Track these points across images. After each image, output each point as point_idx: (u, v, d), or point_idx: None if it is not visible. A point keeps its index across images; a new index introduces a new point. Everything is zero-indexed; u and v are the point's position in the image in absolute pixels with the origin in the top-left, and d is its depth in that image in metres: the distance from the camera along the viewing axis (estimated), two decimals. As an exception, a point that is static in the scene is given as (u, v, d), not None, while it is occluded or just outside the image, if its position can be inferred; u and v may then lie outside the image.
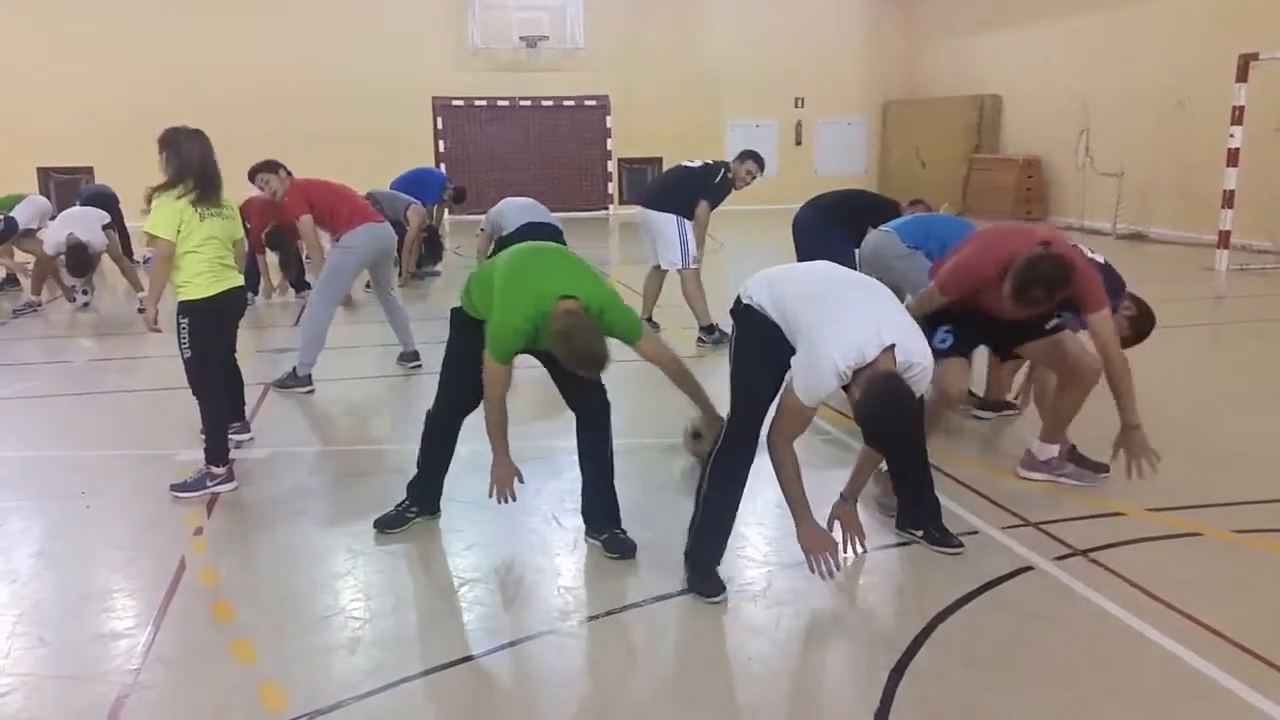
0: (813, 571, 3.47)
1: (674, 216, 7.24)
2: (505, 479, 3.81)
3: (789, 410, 3.32)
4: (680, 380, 3.79)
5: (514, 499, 3.83)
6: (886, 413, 3.12)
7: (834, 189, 7.11)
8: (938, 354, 3.91)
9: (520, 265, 3.72)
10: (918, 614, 3.31)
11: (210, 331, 4.58)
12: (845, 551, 3.71)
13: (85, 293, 9.53)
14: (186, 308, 4.52)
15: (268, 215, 9.74)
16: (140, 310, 4.54)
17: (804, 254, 6.32)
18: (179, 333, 4.51)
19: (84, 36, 16.24)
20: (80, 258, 8.88)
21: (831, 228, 6.56)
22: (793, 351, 3.31)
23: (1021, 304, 3.95)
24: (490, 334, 3.62)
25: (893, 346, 3.17)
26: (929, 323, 4.07)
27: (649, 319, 7.84)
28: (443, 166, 17.52)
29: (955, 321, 4.22)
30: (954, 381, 4.21)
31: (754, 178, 7.42)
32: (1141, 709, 2.81)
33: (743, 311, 3.54)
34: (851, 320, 3.20)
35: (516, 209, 7.46)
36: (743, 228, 12.64)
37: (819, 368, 3.17)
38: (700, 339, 7.31)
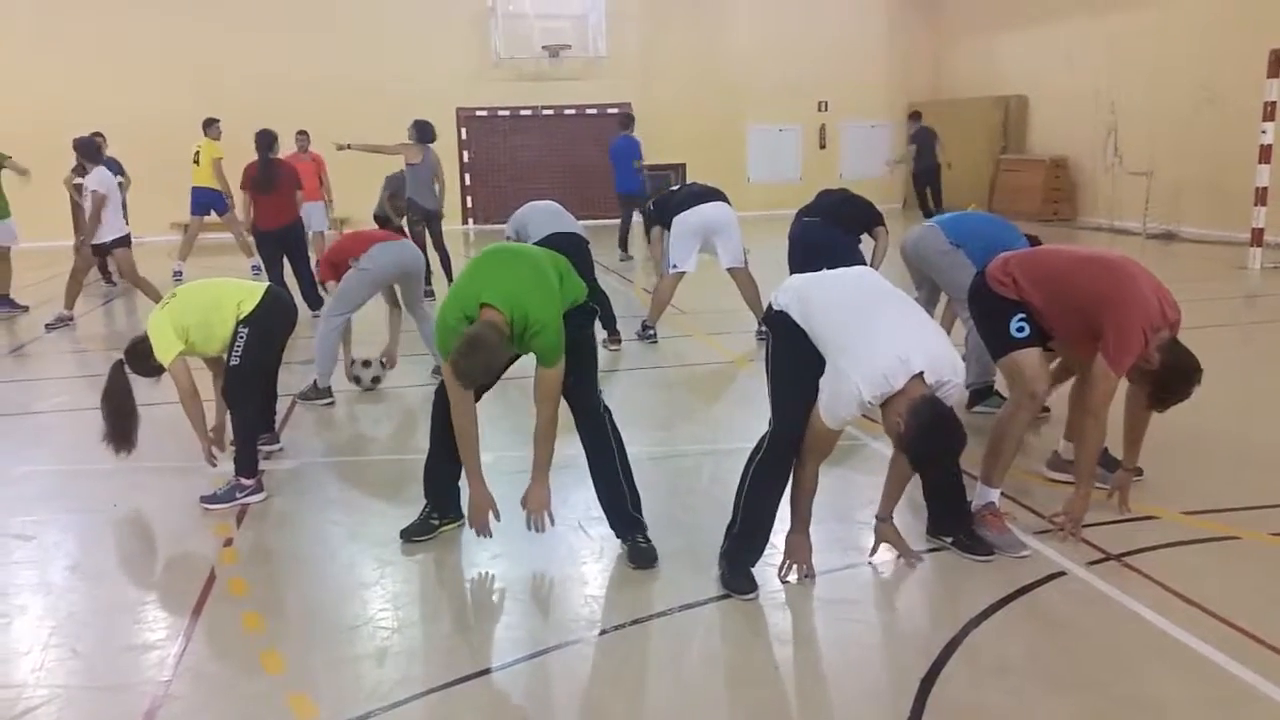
0: (780, 574, 3.60)
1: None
2: (479, 510, 3.75)
3: (814, 430, 3.33)
4: (541, 431, 3.64)
5: (489, 535, 3.77)
6: (934, 440, 3.12)
7: (819, 194, 7.21)
8: (1016, 344, 3.88)
9: (476, 265, 3.71)
10: (949, 621, 3.28)
11: (262, 347, 4.59)
12: (910, 564, 3.72)
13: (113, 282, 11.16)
14: (246, 320, 4.53)
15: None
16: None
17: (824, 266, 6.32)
18: (234, 342, 4.51)
19: (108, 48, 16.49)
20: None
21: (848, 235, 6.68)
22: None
23: (1165, 403, 3.82)
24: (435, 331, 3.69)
25: (921, 373, 3.15)
26: (1005, 312, 3.91)
27: (651, 327, 7.84)
28: (468, 178, 17.64)
29: (1030, 310, 3.91)
30: (1037, 380, 3.87)
31: None
32: (1178, 716, 2.76)
33: (777, 319, 3.53)
34: (879, 348, 3.16)
35: (541, 216, 7.39)
36: (768, 231, 12.61)
37: (843, 396, 3.18)
38: (760, 334, 7.35)
